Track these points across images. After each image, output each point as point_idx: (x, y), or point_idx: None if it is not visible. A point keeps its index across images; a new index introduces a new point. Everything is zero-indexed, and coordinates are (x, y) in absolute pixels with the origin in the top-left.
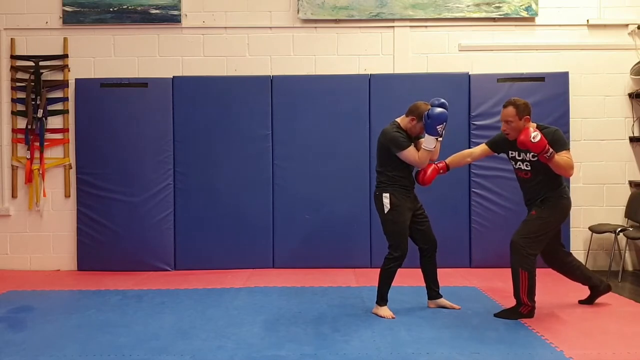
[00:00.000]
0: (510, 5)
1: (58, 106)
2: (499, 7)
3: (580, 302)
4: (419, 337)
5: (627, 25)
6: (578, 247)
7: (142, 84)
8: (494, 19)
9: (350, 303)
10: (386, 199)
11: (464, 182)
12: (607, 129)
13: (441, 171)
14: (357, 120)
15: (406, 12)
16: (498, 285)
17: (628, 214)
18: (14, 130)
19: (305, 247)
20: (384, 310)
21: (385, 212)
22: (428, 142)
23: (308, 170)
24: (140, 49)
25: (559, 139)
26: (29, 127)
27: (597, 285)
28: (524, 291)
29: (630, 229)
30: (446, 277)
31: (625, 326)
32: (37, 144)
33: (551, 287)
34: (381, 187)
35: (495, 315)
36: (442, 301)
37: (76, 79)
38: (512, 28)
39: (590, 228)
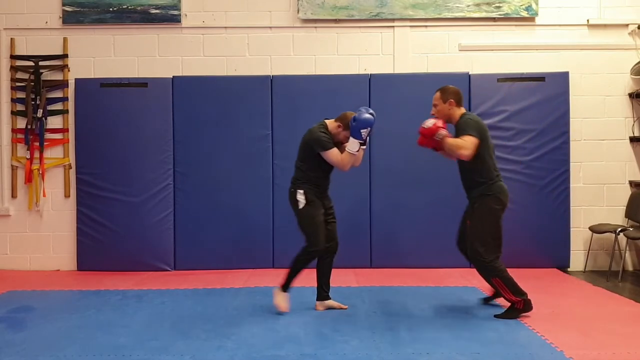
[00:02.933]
0: (510, 5)
1: (58, 106)
2: (499, 7)
3: (485, 298)
4: (419, 337)
5: (627, 25)
6: (578, 247)
7: (142, 84)
8: (494, 19)
9: (350, 303)
10: (301, 195)
11: None
12: (607, 129)
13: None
14: None
15: (406, 12)
16: None
17: (628, 214)
18: (14, 130)
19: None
20: (281, 297)
21: (300, 207)
22: (352, 145)
23: None
24: (140, 49)
25: (461, 125)
26: (29, 127)
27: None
28: (508, 292)
29: (631, 229)
30: (446, 277)
31: (625, 326)
32: (37, 144)
33: (551, 287)
34: (296, 184)
35: (496, 316)
36: (331, 303)
37: (76, 79)
38: (512, 28)
39: (590, 228)
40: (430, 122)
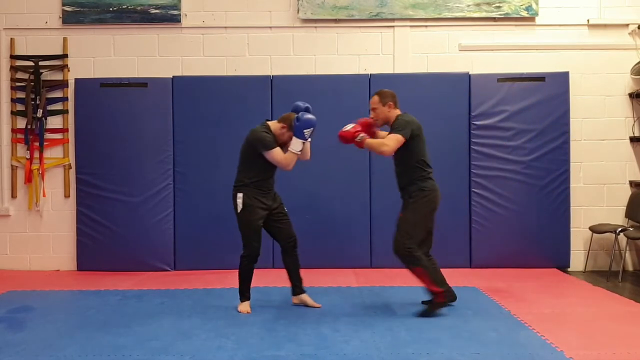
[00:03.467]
0: (510, 5)
1: (58, 106)
2: (499, 6)
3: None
4: (419, 337)
5: (627, 25)
6: (578, 247)
7: (142, 84)
8: (494, 19)
9: (350, 303)
10: (239, 199)
11: (464, 182)
12: (607, 129)
13: (357, 140)
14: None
15: (406, 12)
16: (498, 285)
17: (628, 214)
18: (14, 130)
19: (305, 247)
20: (243, 306)
21: (238, 211)
22: (295, 144)
23: (308, 170)
24: (140, 49)
25: (394, 124)
26: (29, 127)
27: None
28: (429, 282)
29: (631, 229)
30: (446, 277)
31: (625, 326)
32: (37, 144)
33: (551, 287)
34: (237, 186)
35: (421, 314)
36: (305, 297)
37: (76, 79)
38: (512, 28)
39: (590, 228)
40: (349, 127)
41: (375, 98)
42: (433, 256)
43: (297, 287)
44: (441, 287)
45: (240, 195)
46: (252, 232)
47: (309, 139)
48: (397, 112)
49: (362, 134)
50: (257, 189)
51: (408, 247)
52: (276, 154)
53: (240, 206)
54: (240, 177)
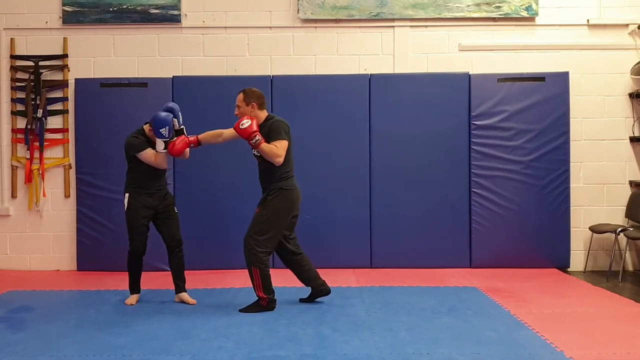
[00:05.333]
0: (510, 5)
1: (58, 106)
2: (499, 7)
3: (301, 300)
4: (419, 337)
5: (627, 25)
6: (578, 247)
7: (142, 84)
8: (494, 19)
9: (350, 303)
10: (125, 199)
11: (464, 182)
12: (607, 129)
13: (192, 145)
14: (357, 120)
15: (406, 12)
16: (498, 285)
17: (628, 214)
18: (14, 130)
19: (306, 247)
20: (129, 299)
21: (125, 209)
22: (157, 144)
23: (308, 170)
24: (140, 49)
25: (273, 129)
26: (29, 127)
27: (318, 286)
28: (259, 286)
29: (631, 229)
30: (446, 277)
31: (625, 326)
32: (37, 144)
33: (551, 287)
34: (125, 186)
35: (240, 310)
36: (184, 296)
37: (76, 79)
38: (512, 28)
39: (590, 228)
40: (246, 124)
41: (240, 96)
42: (305, 254)
43: (178, 287)
44: (267, 294)
45: (126, 195)
46: (134, 231)
47: (171, 139)
48: (264, 113)
49: (258, 137)
50: (142, 189)
51: (256, 244)
52: (146, 155)
53: (125, 206)
54: (127, 178)
